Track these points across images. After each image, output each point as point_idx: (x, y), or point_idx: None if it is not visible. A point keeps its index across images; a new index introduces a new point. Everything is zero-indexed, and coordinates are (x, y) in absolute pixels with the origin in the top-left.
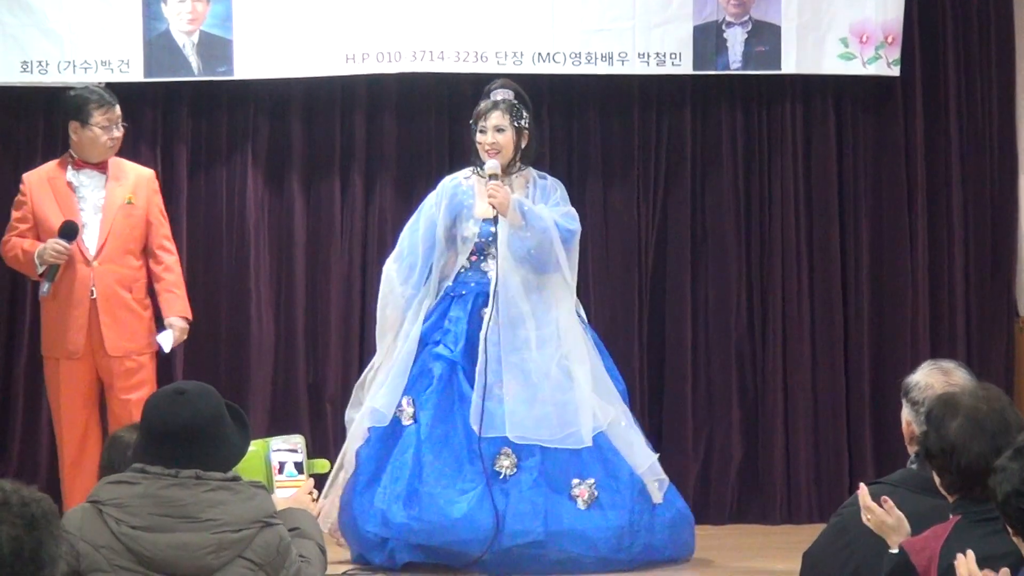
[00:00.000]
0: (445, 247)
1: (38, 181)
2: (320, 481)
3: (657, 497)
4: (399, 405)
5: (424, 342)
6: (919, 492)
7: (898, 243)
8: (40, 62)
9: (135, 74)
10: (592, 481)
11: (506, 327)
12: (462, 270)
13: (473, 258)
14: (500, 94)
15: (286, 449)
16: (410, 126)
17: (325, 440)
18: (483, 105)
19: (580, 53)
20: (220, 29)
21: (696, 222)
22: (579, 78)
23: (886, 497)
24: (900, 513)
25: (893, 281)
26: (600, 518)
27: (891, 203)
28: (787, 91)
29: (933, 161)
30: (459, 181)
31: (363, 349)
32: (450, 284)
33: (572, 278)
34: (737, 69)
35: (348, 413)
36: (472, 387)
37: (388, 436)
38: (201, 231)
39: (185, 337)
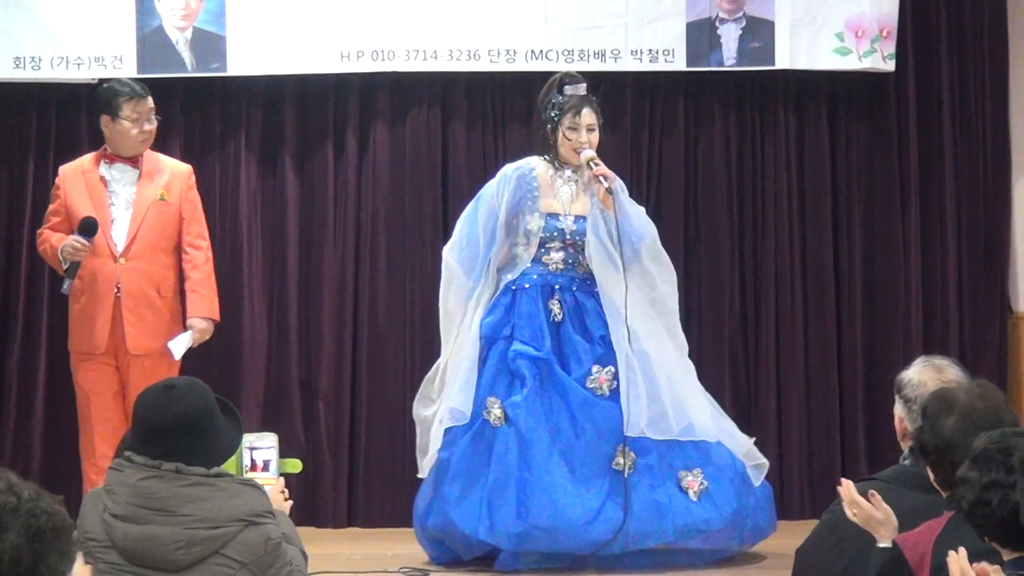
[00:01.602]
0: (505, 238)
1: (72, 174)
2: (290, 481)
3: (757, 481)
4: (484, 405)
5: (492, 337)
6: (912, 488)
7: (891, 239)
8: (33, 58)
9: (128, 70)
10: (699, 471)
11: (616, 320)
12: (524, 263)
13: (538, 248)
14: (583, 88)
15: (265, 447)
16: (403, 124)
17: (318, 438)
18: (571, 98)
19: (573, 50)
20: (213, 25)
21: (689, 219)
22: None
23: (874, 492)
24: (888, 508)
25: (886, 277)
26: (712, 509)
27: (884, 199)
28: (780, 88)
29: (926, 157)
30: (524, 171)
31: (356, 345)
32: (512, 278)
33: (670, 269)
34: (731, 65)
35: (416, 409)
36: (570, 377)
37: (479, 439)
38: None
39: (207, 338)
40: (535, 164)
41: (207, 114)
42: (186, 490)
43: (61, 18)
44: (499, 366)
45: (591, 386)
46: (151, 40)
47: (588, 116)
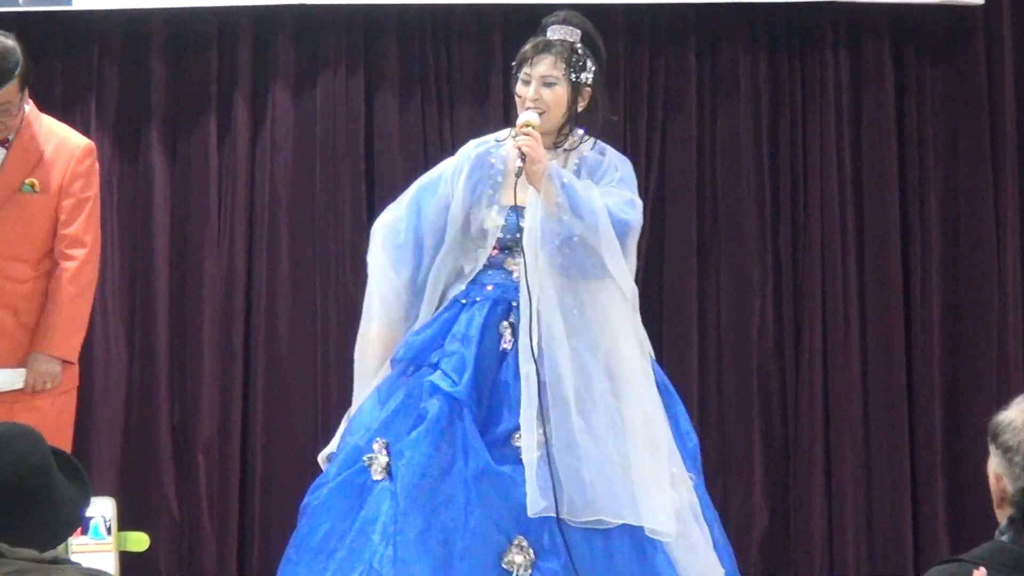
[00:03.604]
0: (461, 237)
1: None
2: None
3: None
4: (367, 448)
5: (416, 361)
6: (1015, 572)
7: (980, 230)
8: None
9: None
10: None
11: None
12: (480, 268)
13: (494, 252)
14: (559, 32)
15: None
16: (312, 86)
17: (195, 501)
18: (531, 45)
19: None
20: None
21: (704, 205)
22: (543, 7)
23: (982, 570)
24: None
25: (974, 282)
26: None
27: (970, 177)
28: (828, 29)
29: None
30: (485, 150)
31: (248, 377)
32: (461, 289)
33: (629, 289)
34: None
35: (320, 458)
36: (481, 435)
37: (348, 491)
38: None
39: (47, 387)
40: (504, 137)
41: (44, 68)
42: None
43: None
44: (409, 401)
45: (517, 445)
46: None
47: (545, 65)
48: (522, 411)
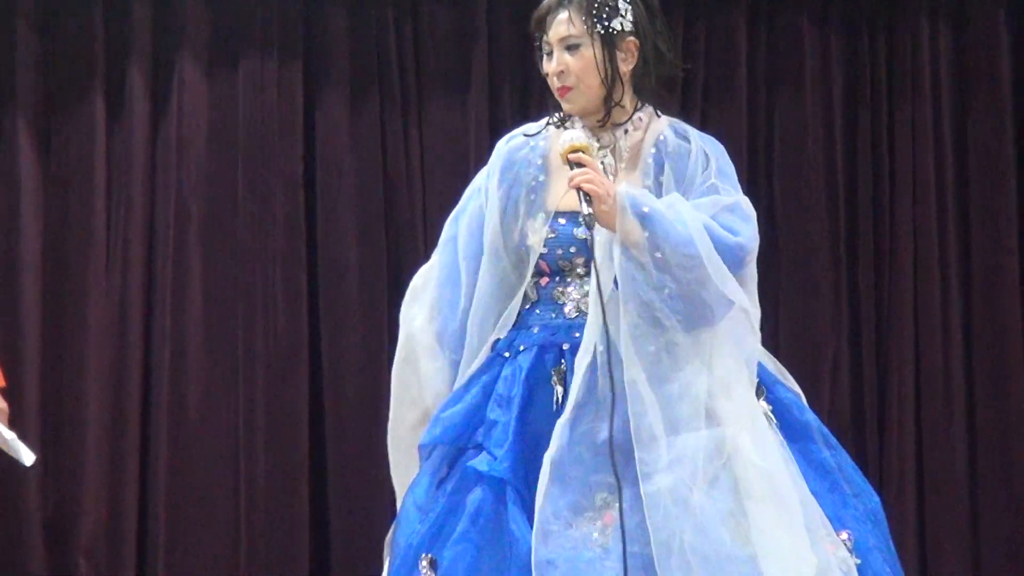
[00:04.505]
0: (507, 259)
1: None
2: None
3: None
4: (415, 567)
5: (454, 447)
6: None
7: None
8: None
9: None
10: None
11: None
12: (527, 305)
13: (543, 281)
14: None
15: None
16: (233, 49)
17: None
18: (543, 5)
19: None
20: None
21: (761, 211)
22: None
23: None
24: None
25: None
26: None
27: None
28: None
29: None
30: (522, 141)
31: (146, 452)
32: (501, 336)
33: (752, 311)
34: None
35: None
36: (531, 523)
37: None
38: None
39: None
40: (541, 128)
41: None
42: None
43: None
44: (455, 499)
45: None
46: None
47: (559, 25)
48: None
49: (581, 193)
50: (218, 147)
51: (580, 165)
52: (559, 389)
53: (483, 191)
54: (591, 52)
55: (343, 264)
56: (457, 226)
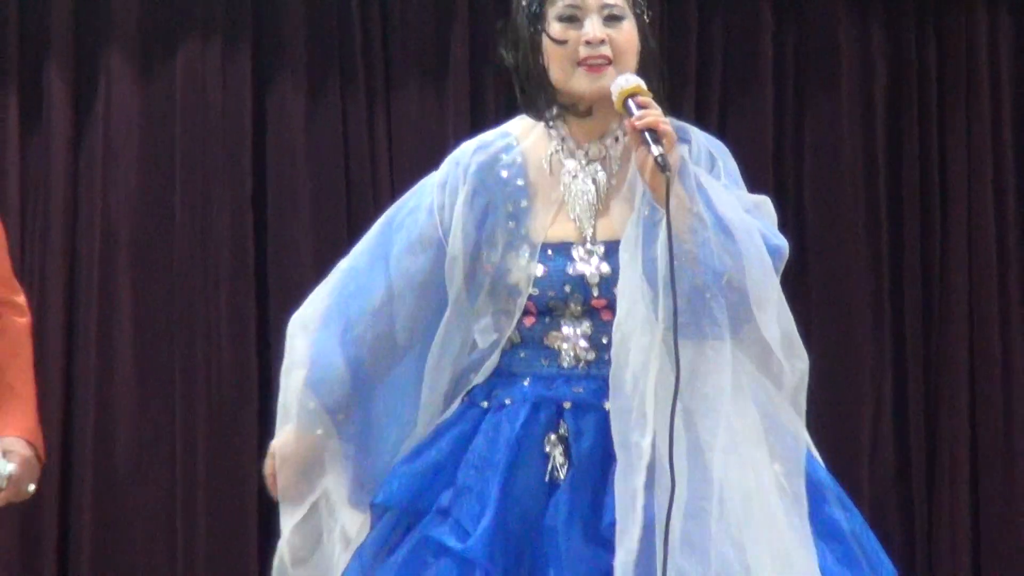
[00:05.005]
0: (466, 296)
1: None
2: None
3: None
4: None
5: (413, 509)
6: None
7: None
8: None
9: None
10: None
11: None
12: (507, 347)
13: (529, 321)
14: None
15: None
16: (170, 39)
17: None
18: None
19: None
20: None
21: (789, 232)
22: None
23: None
24: None
25: None
26: None
27: None
28: None
29: None
30: (493, 149)
31: (67, 517)
32: (479, 381)
33: (786, 344)
34: None
35: None
36: None
37: None
38: None
39: (29, 490)
40: (517, 132)
41: None
42: None
43: None
44: (409, 571)
45: None
46: None
47: None
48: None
49: (649, 134)
50: (152, 156)
51: (644, 107)
52: (557, 457)
53: (438, 211)
54: (632, 29)
55: (298, 286)
56: (392, 243)
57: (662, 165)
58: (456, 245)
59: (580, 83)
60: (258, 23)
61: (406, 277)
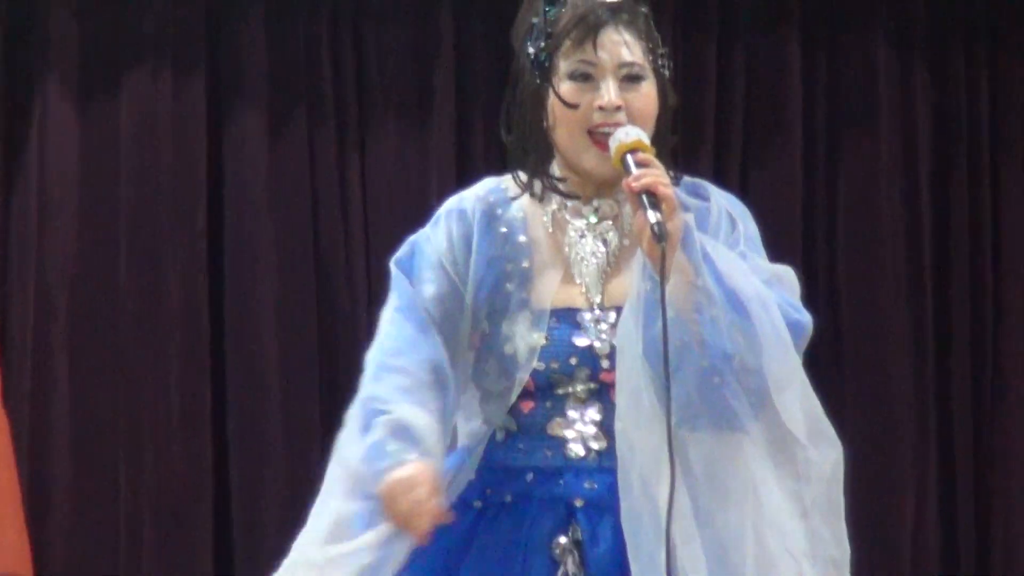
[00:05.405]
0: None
1: None
2: None
3: None
4: None
5: None
6: None
7: None
8: None
9: None
10: None
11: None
12: (500, 437)
13: (527, 406)
14: None
15: None
16: (113, 67)
17: None
18: (573, 8)
19: None
20: None
21: (816, 295)
22: None
23: None
24: None
25: None
26: None
27: None
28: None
29: None
30: (493, 207)
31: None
32: (471, 475)
33: (813, 431)
34: None
35: None
36: None
37: None
38: None
39: None
40: (513, 189)
41: None
42: None
43: None
44: None
45: None
46: None
47: (616, 46)
48: None
49: (646, 197)
50: (92, 197)
51: (643, 166)
52: (569, 562)
53: (449, 266)
54: (652, 90)
55: (259, 363)
56: (422, 296)
57: (658, 234)
58: (471, 297)
59: (589, 160)
60: (214, 50)
61: (449, 342)
